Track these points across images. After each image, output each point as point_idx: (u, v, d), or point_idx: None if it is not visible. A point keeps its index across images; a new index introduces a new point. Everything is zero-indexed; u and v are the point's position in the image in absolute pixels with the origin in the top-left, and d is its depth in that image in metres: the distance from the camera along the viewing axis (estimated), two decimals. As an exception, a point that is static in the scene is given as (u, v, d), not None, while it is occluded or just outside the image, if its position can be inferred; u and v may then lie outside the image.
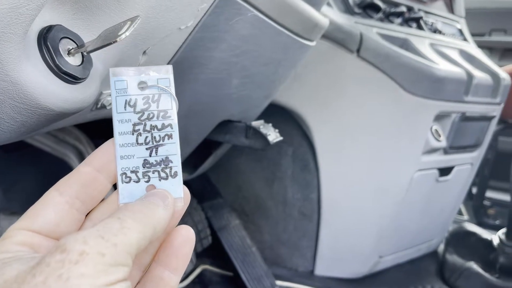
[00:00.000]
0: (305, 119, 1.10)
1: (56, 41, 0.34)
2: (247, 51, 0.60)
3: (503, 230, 1.26)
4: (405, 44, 1.13)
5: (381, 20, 1.15)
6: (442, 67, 1.08)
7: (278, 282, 1.08)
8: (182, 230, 0.28)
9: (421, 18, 1.24)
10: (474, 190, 1.69)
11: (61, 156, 0.71)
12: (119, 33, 0.32)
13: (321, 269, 1.17)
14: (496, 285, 1.16)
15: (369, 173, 1.11)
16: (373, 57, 1.05)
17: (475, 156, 1.29)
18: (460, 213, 1.73)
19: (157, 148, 0.28)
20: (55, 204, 0.25)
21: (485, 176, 1.64)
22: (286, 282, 1.09)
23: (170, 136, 0.28)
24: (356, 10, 1.09)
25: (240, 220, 1.16)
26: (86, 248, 0.20)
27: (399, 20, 1.20)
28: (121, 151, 0.27)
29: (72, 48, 0.36)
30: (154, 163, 0.28)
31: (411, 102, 1.07)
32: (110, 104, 0.49)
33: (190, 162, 0.75)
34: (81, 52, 0.36)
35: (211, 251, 1.11)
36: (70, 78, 0.35)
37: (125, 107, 0.28)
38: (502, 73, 1.25)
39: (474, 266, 1.23)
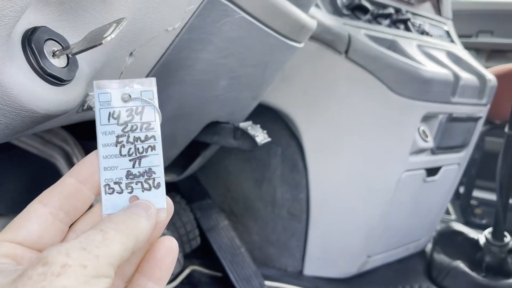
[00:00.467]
0: (294, 119, 1.11)
1: (40, 42, 0.34)
2: (234, 52, 0.61)
3: (490, 229, 1.28)
4: (392, 45, 1.14)
5: (369, 21, 1.16)
6: (429, 68, 1.09)
7: (267, 282, 1.09)
8: (166, 241, 0.28)
9: (408, 19, 1.25)
10: (462, 190, 1.71)
11: (48, 157, 0.71)
12: (105, 35, 0.32)
13: (310, 269, 1.18)
14: (482, 284, 1.18)
15: (357, 173, 1.12)
16: (361, 59, 1.06)
17: (462, 157, 1.30)
18: (447, 212, 1.75)
19: (140, 159, 0.28)
20: (38, 216, 0.25)
21: (472, 176, 1.66)
22: (275, 282, 1.10)
23: (153, 148, 0.29)
24: (345, 11, 1.10)
25: (229, 221, 1.16)
26: (69, 261, 0.21)
27: (387, 21, 1.21)
28: (104, 163, 0.27)
29: (57, 50, 0.35)
30: (137, 174, 0.28)
31: (399, 103, 1.08)
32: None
33: (178, 163, 0.75)
34: (67, 54, 0.36)
35: (200, 252, 1.10)
36: (55, 80, 0.35)
37: (108, 119, 0.28)
38: (488, 74, 1.27)
39: (461, 265, 1.24)
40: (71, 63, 0.37)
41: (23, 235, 0.25)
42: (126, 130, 0.28)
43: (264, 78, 0.70)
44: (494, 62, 2.20)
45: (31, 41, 0.34)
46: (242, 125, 0.69)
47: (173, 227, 0.95)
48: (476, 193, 1.75)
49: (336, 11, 1.08)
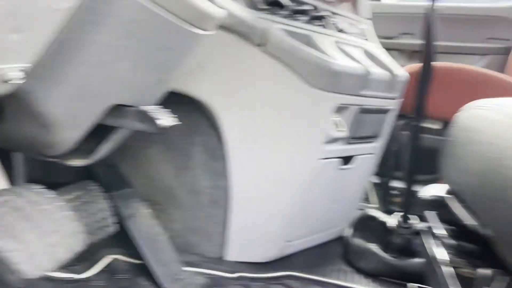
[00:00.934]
0: (213, 109, 1.14)
1: None
2: (134, 35, 0.63)
3: (400, 213, 1.38)
4: (308, 40, 1.20)
5: (286, 17, 1.22)
6: (340, 62, 1.16)
7: (187, 268, 1.11)
8: None
9: (326, 17, 1.32)
10: (381, 180, 1.82)
11: None
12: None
13: (231, 255, 1.22)
14: (390, 263, 1.27)
15: (275, 161, 1.17)
16: (276, 52, 1.11)
17: (375, 147, 1.40)
18: (368, 201, 1.85)
19: None
20: None
21: (390, 167, 1.77)
22: (195, 268, 1.12)
23: None
24: (261, 5, 1.15)
25: (151, 210, 1.18)
26: None
27: (304, 18, 1.27)
28: None
29: None
30: None
31: (312, 94, 1.14)
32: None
33: (84, 147, 0.76)
34: None
35: (121, 240, 1.11)
36: None
37: None
38: (399, 70, 1.37)
39: (374, 247, 1.33)
40: None
41: None
42: None
43: (170, 62, 0.73)
44: (415, 61, 2.34)
45: None
46: (146, 108, 0.71)
47: (84, 214, 0.95)
48: (395, 183, 1.87)
49: (253, 4, 1.13)
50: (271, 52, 1.11)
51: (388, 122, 1.41)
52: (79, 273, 1.00)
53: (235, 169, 1.18)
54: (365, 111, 1.27)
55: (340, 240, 1.47)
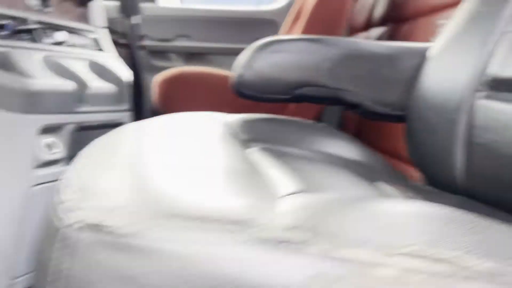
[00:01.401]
0: None
1: None
2: None
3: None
4: (5, 59, 1.10)
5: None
6: (40, 80, 1.08)
7: None
8: None
9: (37, 29, 1.23)
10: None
11: None
12: None
13: None
14: None
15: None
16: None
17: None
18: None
19: None
20: None
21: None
22: None
23: None
24: None
25: None
26: None
27: (4, 32, 1.16)
28: None
29: None
30: None
31: (10, 119, 1.05)
32: None
33: None
34: None
35: None
36: None
37: None
38: (128, 81, 1.34)
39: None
40: None
41: None
42: None
43: None
44: (191, 63, 2.40)
45: None
46: None
47: None
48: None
49: None
50: None
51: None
52: None
53: None
54: (87, 128, 1.22)
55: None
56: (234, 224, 0.30)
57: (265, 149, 0.69)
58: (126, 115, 1.35)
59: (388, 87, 0.85)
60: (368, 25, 1.93)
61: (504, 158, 0.66)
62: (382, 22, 1.79)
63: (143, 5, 2.40)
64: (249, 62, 0.86)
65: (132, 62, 1.19)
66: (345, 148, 0.81)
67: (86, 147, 0.62)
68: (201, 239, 0.29)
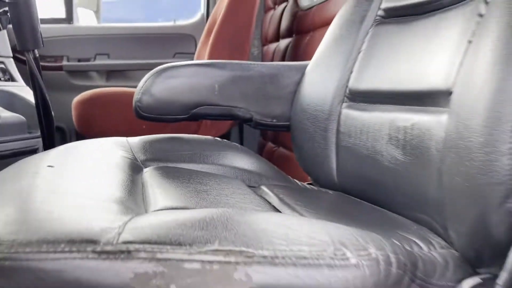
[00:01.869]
0: None
1: None
2: None
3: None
4: None
5: None
6: None
7: None
8: None
9: None
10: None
11: None
12: None
13: None
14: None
15: None
16: None
17: None
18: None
19: None
20: None
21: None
22: None
23: None
24: None
25: None
26: None
27: None
28: None
29: None
30: None
31: None
32: None
33: None
34: None
35: None
36: None
37: None
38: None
39: None
40: None
41: None
42: None
43: None
44: (113, 81, 2.42)
45: None
46: None
47: None
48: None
49: None
50: None
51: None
52: None
53: None
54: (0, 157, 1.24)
55: None
56: (85, 243, 0.38)
57: (159, 168, 0.77)
58: (39, 141, 1.38)
59: (273, 102, 0.97)
60: (278, 36, 2.07)
61: (363, 158, 0.79)
62: (289, 34, 1.94)
63: (60, 26, 2.40)
64: (147, 88, 0.94)
65: (37, 92, 1.20)
66: (238, 159, 0.91)
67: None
68: (61, 258, 0.37)
